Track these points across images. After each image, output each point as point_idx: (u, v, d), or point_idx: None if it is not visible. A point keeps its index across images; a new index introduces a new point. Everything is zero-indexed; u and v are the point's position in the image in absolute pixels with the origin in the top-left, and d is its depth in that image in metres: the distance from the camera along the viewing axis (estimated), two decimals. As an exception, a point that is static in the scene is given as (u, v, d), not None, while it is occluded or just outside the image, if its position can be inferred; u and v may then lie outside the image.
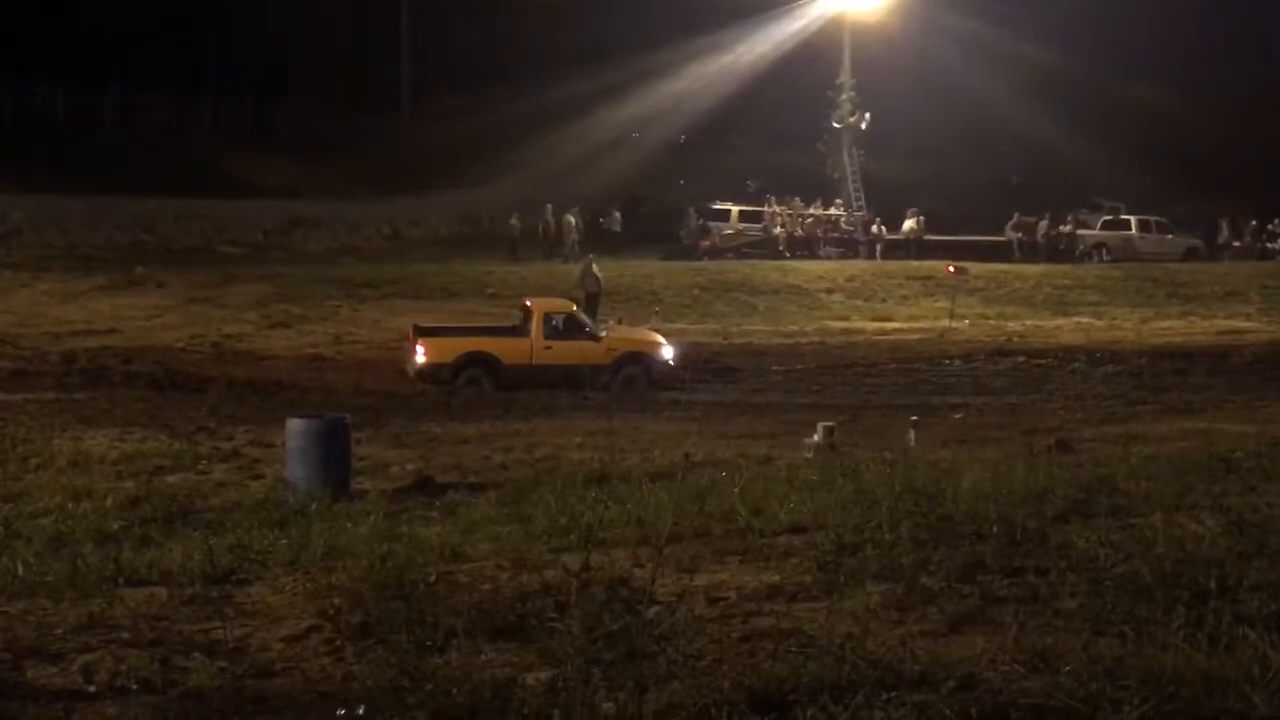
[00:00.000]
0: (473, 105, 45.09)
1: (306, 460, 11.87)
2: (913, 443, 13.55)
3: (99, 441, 14.08)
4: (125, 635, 5.95)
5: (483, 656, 5.46)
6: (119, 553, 7.93)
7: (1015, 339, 26.66)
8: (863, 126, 40.29)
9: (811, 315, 29.70)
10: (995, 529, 7.34)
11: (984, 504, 7.98)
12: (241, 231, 36.36)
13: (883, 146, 41.32)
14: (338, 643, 5.83)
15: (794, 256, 36.03)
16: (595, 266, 27.32)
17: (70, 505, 10.56)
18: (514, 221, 35.12)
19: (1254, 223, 39.60)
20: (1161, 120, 45.38)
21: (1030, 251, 37.18)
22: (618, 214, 37.37)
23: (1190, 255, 38.25)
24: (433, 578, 6.65)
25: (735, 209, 37.77)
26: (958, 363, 23.74)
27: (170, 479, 12.34)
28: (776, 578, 6.83)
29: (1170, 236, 38.88)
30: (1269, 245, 39.15)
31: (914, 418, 15.25)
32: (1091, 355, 24.26)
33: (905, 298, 31.75)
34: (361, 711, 4.92)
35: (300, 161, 42.76)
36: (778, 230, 37.23)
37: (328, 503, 10.67)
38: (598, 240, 34.32)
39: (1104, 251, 38.03)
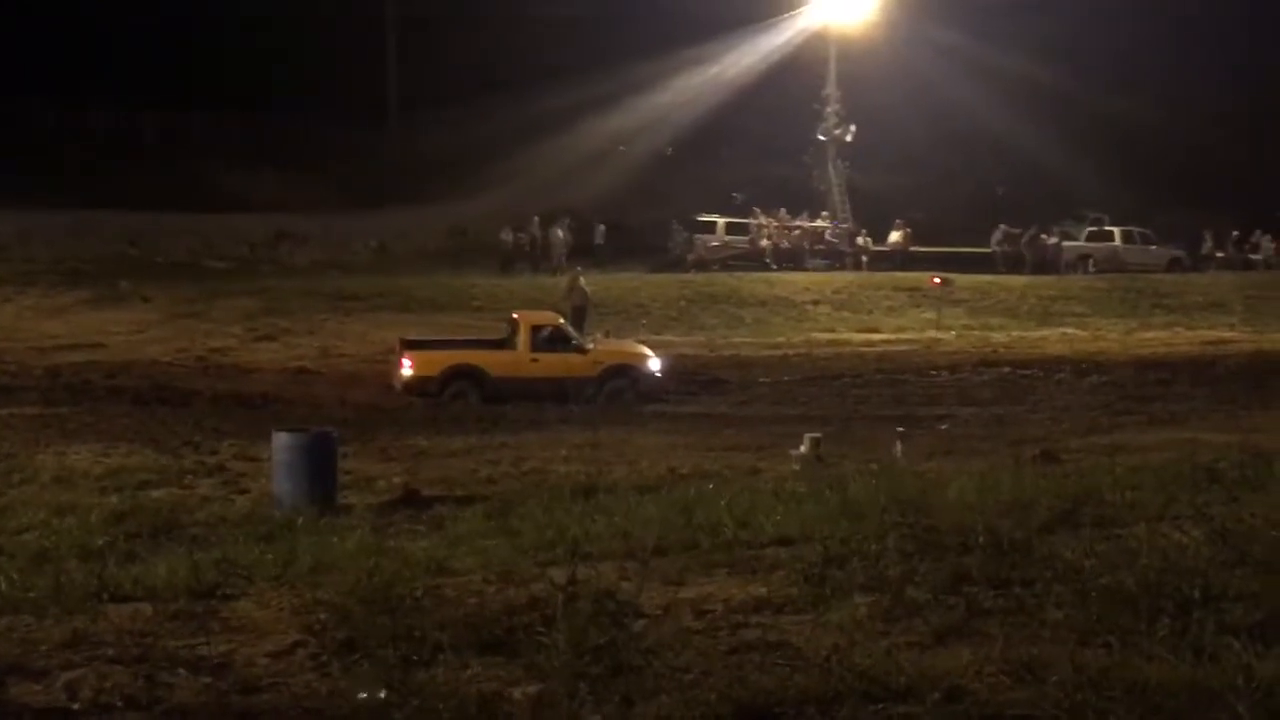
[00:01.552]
0: (460, 118, 45.07)
1: (292, 474, 11.82)
2: (899, 454, 13.57)
3: (83, 456, 14.00)
4: (110, 652, 5.92)
5: (469, 671, 5.45)
6: (103, 568, 7.88)
7: (1001, 350, 26.76)
8: (848, 139, 40.43)
9: (798, 327, 29.77)
10: (981, 540, 7.36)
11: (970, 515, 8.01)
12: (228, 245, 36.27)
13: (868, 159, 41.46)
14: (324, 658, 5.81)
15: (780, 268, 36.11)
16: (582, 280, 27.35)
17: (54, 521, 10.51)
18: (505, 235, 35.12)
19: (1236, 233, 39.85)
20: (1145, 132, 45.65)
21: (1015, 263, 37.35)
22: (602, 227, 37.44)
23: (1174, 266, 38.46)
24: (419, 592, 6.63)
25: (722, 221, 37.85)
26: (944, 374, 23.80)
27: (155, 494, 12.28)
28: (763, 590, 6.84)
29: (1154, 247, 39.10)
30: (1251, 256, 39.39)
31: (900, 429, 15.28)
32: (1076, 366, 24.36)
33: (891, 309, 31.85)
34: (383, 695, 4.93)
35: (287, 175, 42.71)
36: (764, 242, 37.32)
37: (314, 517, 10.63)
38: (584, 253, 34.39)
39: (1089, 263, 38.22)
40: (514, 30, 46.37)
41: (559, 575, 6.20)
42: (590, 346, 21.43)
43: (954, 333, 29.10)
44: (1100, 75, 45.39)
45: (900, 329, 29.81)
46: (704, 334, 28.25)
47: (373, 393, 20.54)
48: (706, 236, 37.13)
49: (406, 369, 20.25)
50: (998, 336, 28.91)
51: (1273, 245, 39.32)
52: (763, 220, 38.05)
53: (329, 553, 8.39)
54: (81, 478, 12.85)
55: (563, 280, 28.95)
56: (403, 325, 24.75)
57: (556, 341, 21.02)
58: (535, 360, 20.58)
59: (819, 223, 39.24)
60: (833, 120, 40.50)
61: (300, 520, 10.47)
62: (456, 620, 6.12)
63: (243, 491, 12.61)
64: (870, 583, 6.70)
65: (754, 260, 36.58)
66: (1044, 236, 38.25)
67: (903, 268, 35.81)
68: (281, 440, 12.13)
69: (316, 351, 24.19)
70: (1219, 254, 39.46)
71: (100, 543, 9.56)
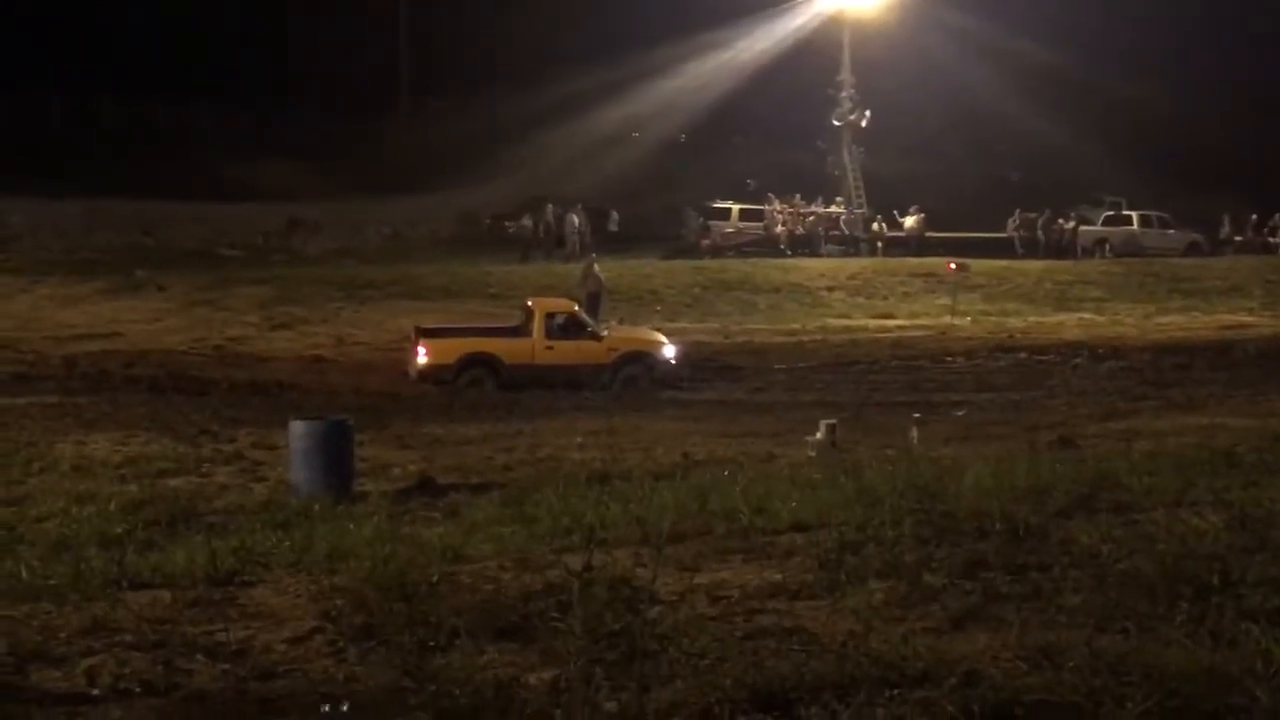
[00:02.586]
0: (472, 104, 45.11)
1: (309, 462, 11.85)
2: (915, 440, 13.53)
3: (102, 445, 14.08)
4: (129, 638, 5.96)
5: (485, 657, 5.47)
6: (122, 556, 7.92)
7: (1017, 335, 26.65)
8: (863, 124, 40.29)
9: (813, 313, 29.69)
10: (998, 526, 7.34)
11: (986, 501, 7.99)
12: (242, 234, 36.41)
13: (883, 144, 41.31)
14: (340, 644, 5.84)
15: (795, 254, 36.04)
16: (597, 267, 27.33)
17: (74, 509, 10.55)
18: (525, 222, 35.16)
19: (1255, 217, 39.59)
20: (1163, 115, 45.38)
21: (1031, 248, 37.20)
22: (615, 214, 37.44)
23: (1192, 250, 38.25)
24: (435, 578, 6.65)
25: (736, 207, 37.78)
26: (960, 360, 23.73)
27: (173, 482, 12.33)
28: (779, 576, 6.84)
29: (1172, 231, 38.89)
30: (1270, 240, 39.14)
31: (916, 415, 15.24)
32: (1094, 351, 24.25)
33: (907, 295, 31.74)
34: (345, 708, 4.93)
35: (300, 163, 42.79)
36: (779, 228, 37.23)
37: (330, 504, 10.66)
38: (599, 240, 34.43)
39: (1106, 247, 38.02)
40: (526, 16, 46.32)
41: (574, 561, 6.19)
42: (605, 333, 21.42)
43: (970, 318, 28.98)
44: (1117, 59, 45.10)
45: (916, 315, 29.71)
46: (718, 321, 28.20)
47: (388, 381, 20.58)
48: (721, 223, 37.08)
49: (422, 357, 20.28)
50: (1014, 322, 28.78)
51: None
52: (777, 206, 37.96)
53: (345, 539, 8.41)
54: (100, 466, 12.91)
55: (578, 267, 28.94)
56: (417, 313, 24.79)
57: (571, 329, 21.02)
58: (550, 348, 20.59)
59: (833, 209, 39.11)
60: (847, 106, 40.35)
61: (317, 507, 10.49)
62: (472, 606, 6.14)
63: (260, 479, 12.65)
64: (886, 568, 6.69)
65: (768, 246, 36.51)
66: (1060, 221, 38.07)
67: (918, 253, 35.70)
68: (298, 428, 12.16)
69: (332, 340, 24.25)
70: (1237, 238, 39.24)
71: (119, 531, 9.60)
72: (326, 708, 4.94)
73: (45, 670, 5.57)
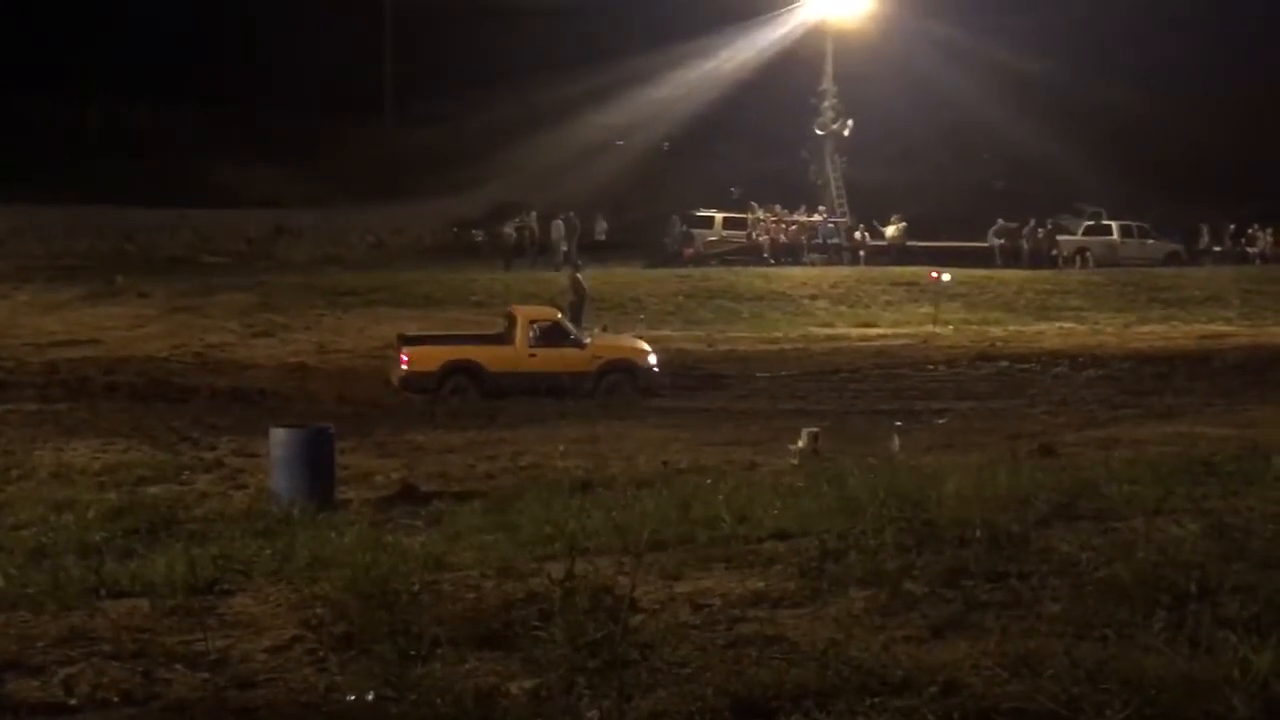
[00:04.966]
0: (456, 112, 45.04)
1: (290, 470, 11.80)
2: (897, 448, 13.58)
3: (81, 452, 14.00)
4: (107, 647, 5.93)
5: (467, 665, 5.47)
6: (101, 564, 7.88)
7: (998, 344, 26.75)
8: (845, 133, 40.40)
9: (796, 321, 29.75)
10: (978, 534, 7.38)
11: (967, 509, 8.03)
12: (225, 240, 36.27)
13: (865, 153, 41.45)
14: (321, 653, 5.82)
15: (778, 263, 36.11)
16: (580, 274, 27.33)
17: (52, 517, 10.48)
18: (508, 230, 35.14)
19: (1233, 227, 39.91)
20: (1142, 125, 45.67)
21: (1013, 257, 37.38)
22: (604, 222, 37.47)
23: (1171, 260, 38.51)
24: (417, 587, 6.64)
25: (719, 216, 37.86)
26: (941, 368, 23.81)
27: (153, 490, 12.26)
28: (761, 584, 6.85)
29: (1151, 241, 39.14)
30: (1248, 249, 39.45)
31: (898, 423, 15.31)
32: (1074, 360, 24.37)
33: (889, 304, 31.85)
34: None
35: (284, 170, 42.66)
36: (762, 237, 37.32)
37: (311, 512, 10.62)
38: (583, 248, 34.44)
39: (1086, 256, 38.25)
40: (510, 24, 46.32)
41: (556, 570, 6.20)
42: (588, 341, 21.42)
43: (952, 327, 29.09)
44: (1097, 68, 45.39)
45: (898, 323, 29.80)
46: (701, 329, 28.22)
47: (370, 388, 20.52)
48: (704, 231, 37.16)
49: (404, 364, 20.24)
50: (995, 331, 28.90)
51: (1269, 238, 39.42)
52: (760, 215, 38.06)
53: (327, 548, 8.38)
54: (79, 474, 12.83)
55: (563, 275, 28.94)
56: (400, 320, 24.73)
57: (554, 337, 21.02)
58: (533, 355, 20.58)
59: (816, 217, 39.23)
60: (830, 115, 40.45)
61: (298, 515, 10.46)
62: (454, 615, 6.13)
63: (240, 487, 12.60)
64: (867, 576, 6.71)
65: (751, 255, 36.58)
66: (1037, 230, 38.29)
67: (900, 262, 35.81)
68: (279, 436, 12.11)
69: (314, 347, 24.15)
70: (1216, 248, 39.51)
71: (98, 539, 9.53)
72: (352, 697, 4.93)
73: (22, 680, 5.53)
